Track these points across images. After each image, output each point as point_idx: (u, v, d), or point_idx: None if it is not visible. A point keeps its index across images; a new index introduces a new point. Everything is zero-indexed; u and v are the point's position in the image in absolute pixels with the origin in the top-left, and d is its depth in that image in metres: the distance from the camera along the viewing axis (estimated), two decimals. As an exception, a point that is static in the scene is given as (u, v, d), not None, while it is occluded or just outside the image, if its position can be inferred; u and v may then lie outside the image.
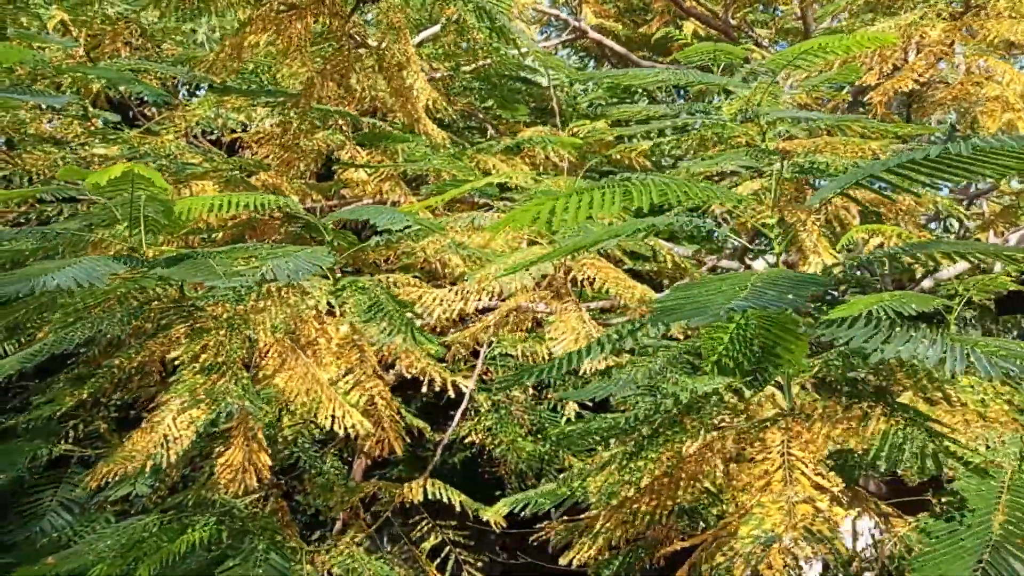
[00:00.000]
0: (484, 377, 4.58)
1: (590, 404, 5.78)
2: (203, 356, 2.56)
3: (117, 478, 2.78)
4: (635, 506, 1.96)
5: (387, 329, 2.48)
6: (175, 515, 4.56)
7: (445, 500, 3.88)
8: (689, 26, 6.65)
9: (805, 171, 2.77)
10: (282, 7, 3.15)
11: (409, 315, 2.58)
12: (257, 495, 4.77)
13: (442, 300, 2.83)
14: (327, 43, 3.41)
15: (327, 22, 3.10)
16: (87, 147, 5.04)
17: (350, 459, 6.30)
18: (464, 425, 5.17)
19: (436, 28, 4.09)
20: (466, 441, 5.15)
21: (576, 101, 6.99)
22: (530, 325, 4.02)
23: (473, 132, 7.13)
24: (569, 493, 2.25)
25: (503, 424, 5.34)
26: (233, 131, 5.64)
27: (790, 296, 1.35)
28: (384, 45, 3.27)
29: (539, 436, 5.26)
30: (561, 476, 3.21)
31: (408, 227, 2.52)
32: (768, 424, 1.83)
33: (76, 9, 4.90)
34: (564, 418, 5.50)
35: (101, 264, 2.31)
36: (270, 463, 2.70)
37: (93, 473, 2.73)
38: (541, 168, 5.66)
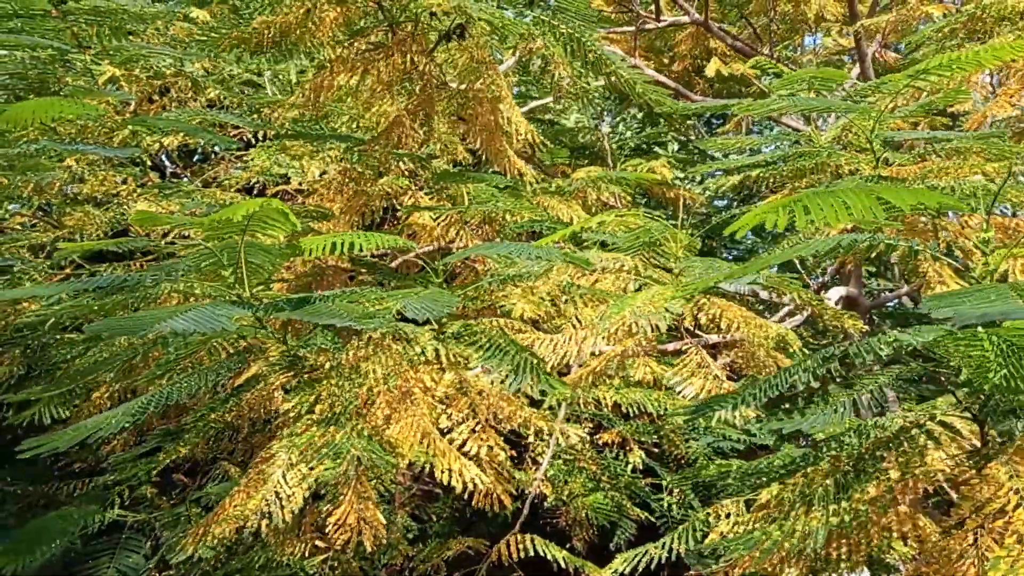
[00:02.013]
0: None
1: (655, 450, 5.63)
2: (318, 407, 2.41)
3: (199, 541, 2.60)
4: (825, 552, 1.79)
5: (516, 376, 2.33)
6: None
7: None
8: (716, 62, 6.63)
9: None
10: (368, 45, 3.07)
11: (534, 359, 2.44)
12: (324, 556, 4.58)
13: (557, 346, 2.69)
14: (404, 84, 3.33)
15: (412, 60, 3.02)
16: (128, 205, 4.95)
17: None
18: (519, 476, 4.99)
19: (510, 63, 4.01)
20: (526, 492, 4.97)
21: (619, 140, 6.96)
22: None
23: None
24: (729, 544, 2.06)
25: (568, 473, 5.15)
26: (280, 180, 5.57)
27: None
28: (469, 83, 3.18)
29: (610, 485, 5.07)
30: (684, 526, 3.04)
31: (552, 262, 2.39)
32: (981, 460, 1.68)
33: (126, 64, 4.85)
34: (629, 466, 5.33)
35: (223, 309, 2.17)
36: (384, 522, 2.53)
37: (195, 532, 2.56)
38: (592, 208, 5.58)
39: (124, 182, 4.51)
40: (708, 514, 2.94)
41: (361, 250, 2.41)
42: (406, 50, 2.97)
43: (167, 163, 6.80)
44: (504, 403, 2.85)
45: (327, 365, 2.73)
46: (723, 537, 2.67)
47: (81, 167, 4.48)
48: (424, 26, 3.05)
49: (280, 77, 4.58)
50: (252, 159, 4.52)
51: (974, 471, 1.63)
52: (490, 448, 2.56)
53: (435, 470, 2.51)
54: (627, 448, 5.30)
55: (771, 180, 3.54)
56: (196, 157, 7.24)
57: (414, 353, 2.69)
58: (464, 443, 2.58)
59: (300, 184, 5.70)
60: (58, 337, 4.68)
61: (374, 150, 3.27)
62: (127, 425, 2.27)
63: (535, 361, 2.42)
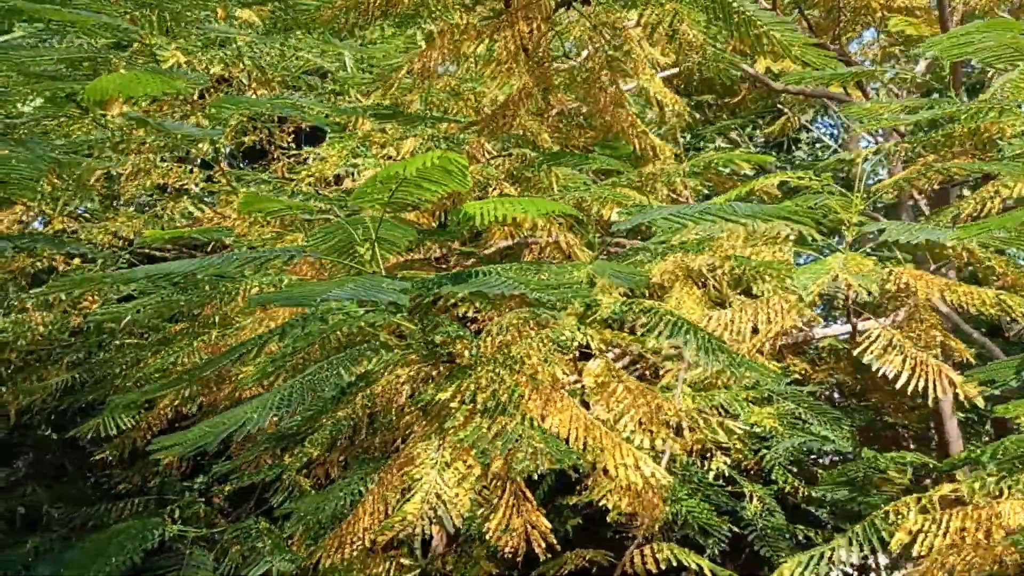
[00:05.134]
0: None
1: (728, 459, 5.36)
2: (480, 396, 2.13)
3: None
4: None
5: (704, 355, 2.07)
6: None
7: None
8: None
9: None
10: (491, 13, 2.83)
11: (717, 339, 2.18)
12: (413, 573, 4.28)
13: (727, 325, 2.44)
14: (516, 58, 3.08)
15: (536, 28, 2.76)
16: (174, 205, 4.70)
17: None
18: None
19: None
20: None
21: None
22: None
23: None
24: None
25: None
26: (332, 180, 5.32)
27: None
28: (590, 54, 2.94)
29: (699, 492, 4.79)
30: (861, 525, 2.76)
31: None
32: None
33: (193, 51, 4.61)
34: (711, 473, 5.05)
35: (386, 283, 1.92)
36: (549, 526, 2.24)
37: (330, 542, 2.28)
38: (664, 202, 5.34)
39: (191, 172, 4.25)
40: (887, 512, 2.66)
41: (537, 214, 2.15)
42: (530, 15, 2.72)
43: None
44: (641, 395, 2.59)
45: (466, 353, 2.46)
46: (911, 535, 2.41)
47: (144, 161, 4.20)
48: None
49: (361, 60, 4.32)
50: (328, 147, 4.26)
51: None
52: (663, 440, 2.29)
53: (606, 465, 2.23)
54: (709, 455, 5.05)
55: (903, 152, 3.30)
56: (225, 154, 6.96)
57: (565, 339, 2.43)
58: (631, 436, 2.31)
59: (355, 182, 5.45)
60: (116, 343, 4.41)
61: (491, 126, 3.00)
62: (274, 417, 2.00)
63: (719, 341, 2.16)
